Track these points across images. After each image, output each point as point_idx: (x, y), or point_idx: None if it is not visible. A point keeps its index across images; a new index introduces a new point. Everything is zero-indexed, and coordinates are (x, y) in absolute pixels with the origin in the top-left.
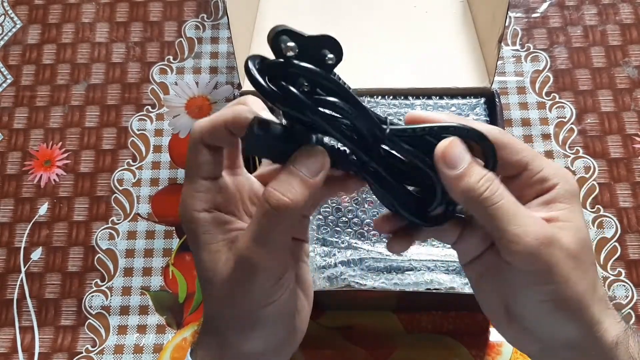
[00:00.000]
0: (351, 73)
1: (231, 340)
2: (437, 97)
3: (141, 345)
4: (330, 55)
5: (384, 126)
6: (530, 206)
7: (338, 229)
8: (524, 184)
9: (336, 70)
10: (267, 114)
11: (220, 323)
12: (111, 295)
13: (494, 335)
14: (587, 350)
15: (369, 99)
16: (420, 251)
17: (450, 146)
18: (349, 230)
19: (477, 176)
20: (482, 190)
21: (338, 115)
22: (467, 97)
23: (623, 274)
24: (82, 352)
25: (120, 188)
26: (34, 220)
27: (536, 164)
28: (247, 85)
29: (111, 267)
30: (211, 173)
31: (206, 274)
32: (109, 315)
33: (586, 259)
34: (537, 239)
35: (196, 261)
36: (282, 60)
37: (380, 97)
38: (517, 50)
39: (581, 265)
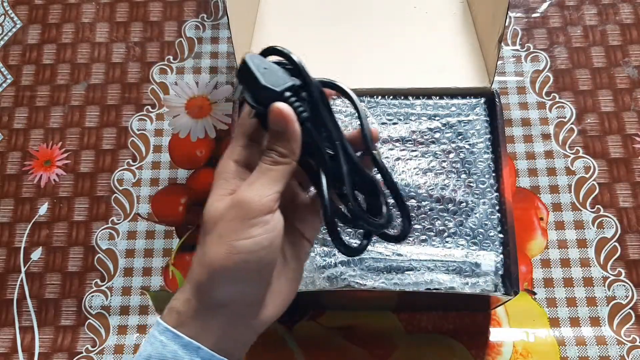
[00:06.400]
0: (352, 73)
1: (204, 283)
2: (437, 97)
3: (141, 345)
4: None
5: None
6: None
7: (338, 229)
8: None
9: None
10: None
11: (199, 267)
12: (111, 295)
13: (494, 335)
14: None
15: (369, 99)
16: (420, 251)
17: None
18: (349, 230)
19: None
20: None
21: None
22: (467, 97)
23: (623, 274)
24: (82, 352)
25: (120, 188)
26: (34, 220)
27: None
28: None
29: (111, 267)
30: (254, 134)
31: (205, 212)
32: (109, 315)
33: None
34: None
35: (206, 204)
36: None
37: (380, 97)
38: (517, 50)
39: None
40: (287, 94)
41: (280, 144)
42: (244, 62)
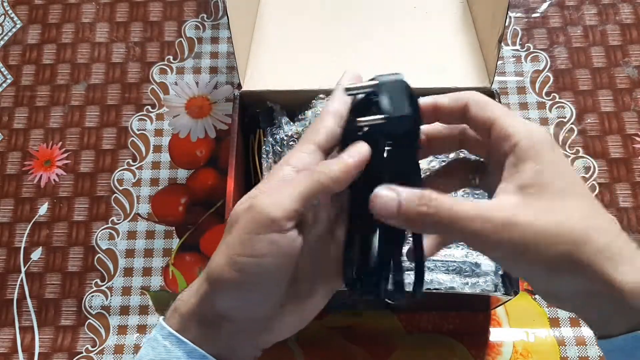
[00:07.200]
0: None
1: (208, 290)
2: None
3: (141, 345)
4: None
5: None
6: (504, 170)
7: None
8: (495, 143)
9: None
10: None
11: (212, 261)
12: (111, 295)
13: (494, 335)
14: (602, 300)
15: None
16: None
17: (376, 196)
18: None
19: (409, 203)
20: (417, 212)
21: None
22: None
23: None
24: (82, 352)
25: (120, 188)
26: (34, 220)
27: (502, 120)
28: (247, 85)
29: (111, 267)
30: (323, 142)
31: (235, 209)
32: (109, 315)
33: (566, 216)
34: (489, 229)
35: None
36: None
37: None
38: (517, 50)
39: (560, 226)
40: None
41: (333, 165)
42: (402, 81)
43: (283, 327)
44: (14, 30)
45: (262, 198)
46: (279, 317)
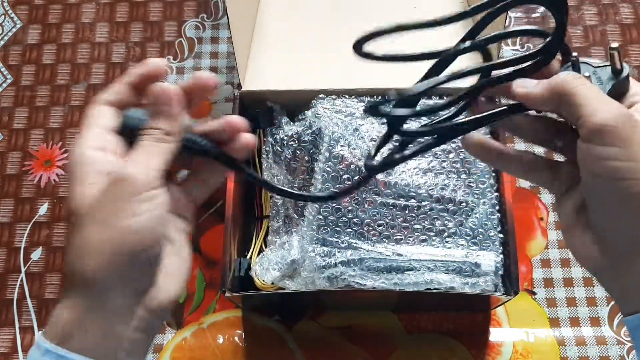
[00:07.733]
0: (351, 73)
1: (97, 275)
2: (437, 97)
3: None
4: None
5: None
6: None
7: (338, 229)
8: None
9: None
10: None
11: (85, 260)
12: None
13: (494, 335)
14: None
15: (369, 99)
16: (420, 251)
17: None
18: (349, 230)
19: (568, 77)
20: (566, 84)
21: None
22: None
23: None
24: None
25: None
26: (34, 220)
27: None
28: (247, 85)
29: None
30: (107, 125)
31: (75, 202)
32: None
33: None
34: (616, 113)
35: (69, 198)
36: None
37: (380, 97)
38: (517, 50)
39: None
40: None
41: (163, 123)
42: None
43: (173, 284)
44: (14, 30)
45: (126, 169)
46: (166, 277)
